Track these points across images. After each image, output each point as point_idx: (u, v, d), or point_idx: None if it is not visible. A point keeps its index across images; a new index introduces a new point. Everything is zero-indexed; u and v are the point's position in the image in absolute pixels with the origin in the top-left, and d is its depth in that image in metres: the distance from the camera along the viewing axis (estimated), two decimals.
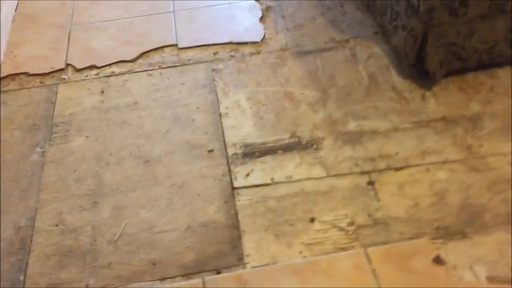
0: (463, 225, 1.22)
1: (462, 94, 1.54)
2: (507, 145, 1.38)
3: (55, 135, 1.55)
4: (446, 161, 1.36)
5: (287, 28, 1.84)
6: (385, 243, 1.21)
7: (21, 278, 1.20)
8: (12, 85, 1.72)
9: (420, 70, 1.55)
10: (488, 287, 1.10)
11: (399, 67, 1.63)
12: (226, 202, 1.32)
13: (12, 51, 1.85)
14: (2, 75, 1.75)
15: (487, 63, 1.54)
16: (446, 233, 1.21)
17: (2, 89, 1.70)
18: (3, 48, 1.83)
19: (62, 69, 1.76)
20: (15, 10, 2.02)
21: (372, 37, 1.76)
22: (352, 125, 1.48)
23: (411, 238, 1.21)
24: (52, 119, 1.60)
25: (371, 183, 1.33)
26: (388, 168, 1.36)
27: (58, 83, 1.72)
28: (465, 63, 1.52)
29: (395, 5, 1.57)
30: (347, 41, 1.76)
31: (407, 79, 1.59)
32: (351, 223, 1.25)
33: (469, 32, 1.44)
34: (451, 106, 1.51)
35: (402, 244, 1.20)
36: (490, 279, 1.12)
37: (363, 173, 1.36)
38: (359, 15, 1.86)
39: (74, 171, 1.44)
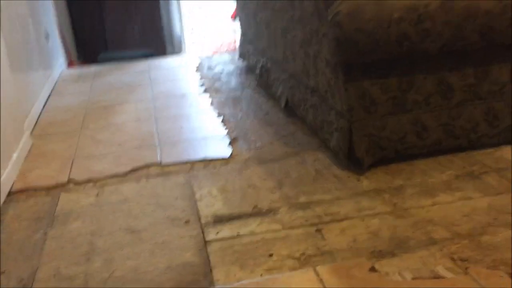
0: (392, 249, 1.50)
1: (388, 176, 1.94)
2: (426, 202, 1.74)
3: (56, 222, 1.84)
4: (377, 213, 1.69)
5: (250, 149, 2.30)
6: None
7: None
8: (22, 195, 2.06)
9: (353, 160, 1.97)
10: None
11: (338, 163, 2.05)
12: (199, 250, 1.59)
13: (23, 175, 2.23)
14: (13, 189, 2.10)
15: (404, 153, 1.99)
16: (380, 255, 1.48)
17: (13, 198, 2.03)
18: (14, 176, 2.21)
19: (64, 183, 2.13)
20: (29, 151, 2.47)
21: (317, 149, 2.22)
22: (302, 199, 1.83)
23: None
24: (54, 213, 1.90)
25: (318, 230, 1.63)
26: (332, 221, 1.68)
27: (60, 192, 2.07)
28: (385, 152, 1.96)
29: (327, 116, 2.08)
30: (297, 153, 2.21)
31: (345, 170, 2.00)
32: (303, 254, 1.51)
33: (382, 125, 1.92)
34: (380, 183, 1.89)
35: (344, 262, 1.46)
36: (415, 278, 1.37)
37: (312, 225, 1.67)
38: (306, 138, 2.35)
39: (72, 242, 1.70)
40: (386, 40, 1.72)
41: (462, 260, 1.44)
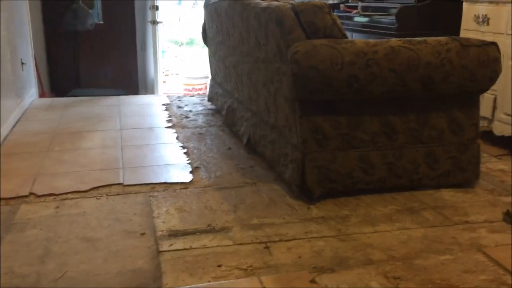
0: (333, 266, 1.62)
1: (336, 206, 2.08)
2: (367, 229, 1.87)
3: (13, 228, 1.88)
4: (323, 236, 1.81)
5: (210, 177, 2.41)
6: None
7: None
8: None
9: (305, 192, 2.11)
10: None
11: (291, 194, 2.18)
12: (152, 258, 1.66)
13: None
14: None
15: (351, 187, 2.14)
16: (321, 270, 1.59)
17: None
18: None
19: (25, 196, 2.18)
20: None
21: (273, 181, 2.35)
22: (255, 221, 1.94)
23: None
24: (13, 221, 1.94)
25: (267, 247, 1.74)
26: (280, 240, 1.79)
27: (21, 203, 2.11)
28: (334, 184, 2.11)
29: (284, 149, 2.23)
30: (254, 183, 2.34)
31: (297, 200, 2.13)
32: (250, 266, 1.61)
33: (332, 159, 2.07)
34: (328, 212, 2.03)
35: (287, 274, 1.56)
36: None
37: (261, 242, 1.77)
38: (264, 171, 2.48)
39: (27, 246, 1.75)
40: (338, 79, 1.91)
41: (395, 278, 1.56)
